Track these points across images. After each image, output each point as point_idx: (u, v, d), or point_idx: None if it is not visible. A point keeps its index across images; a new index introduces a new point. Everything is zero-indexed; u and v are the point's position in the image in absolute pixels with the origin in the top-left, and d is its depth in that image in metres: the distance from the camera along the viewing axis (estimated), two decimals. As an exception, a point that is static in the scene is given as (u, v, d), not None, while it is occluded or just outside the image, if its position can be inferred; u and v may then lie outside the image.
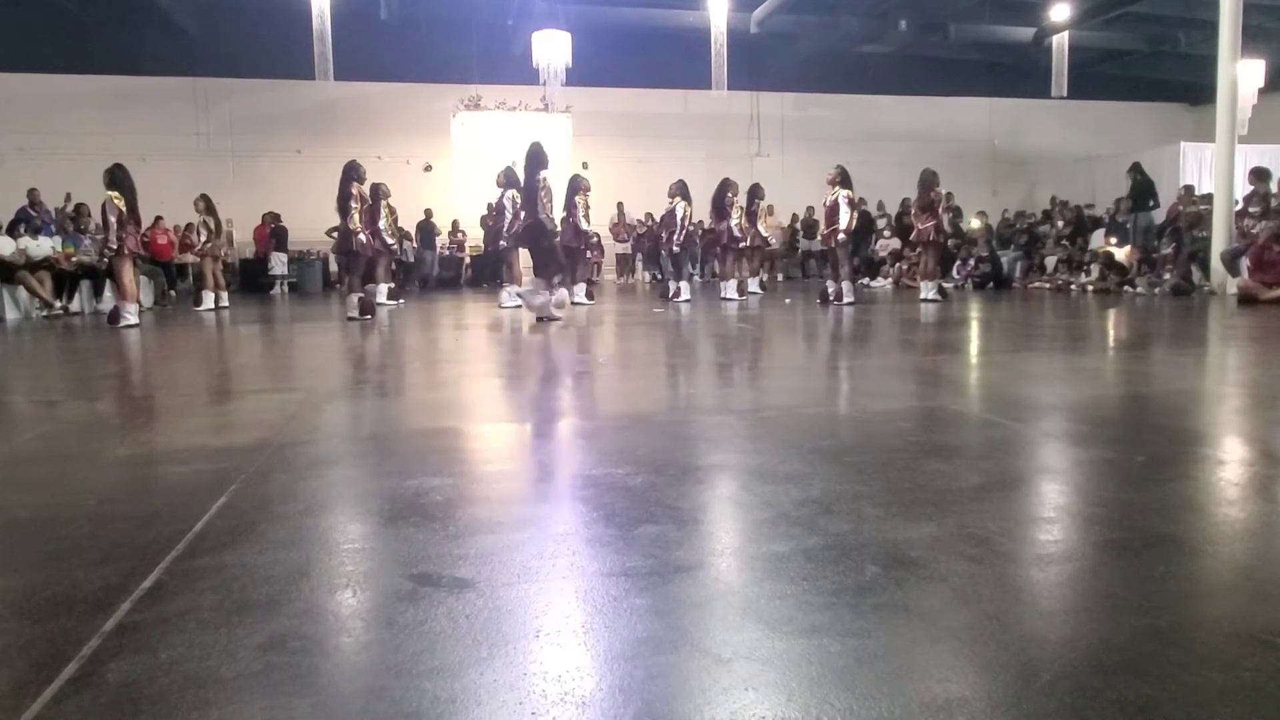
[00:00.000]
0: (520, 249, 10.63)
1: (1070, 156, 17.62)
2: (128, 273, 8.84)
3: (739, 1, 13.65)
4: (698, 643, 1.44)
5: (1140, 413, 3.64)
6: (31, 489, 2.57)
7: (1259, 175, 10.61)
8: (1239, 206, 10.66)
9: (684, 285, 11.57)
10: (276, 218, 15.25)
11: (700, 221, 14.29)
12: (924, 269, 10.71)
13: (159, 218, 13.62)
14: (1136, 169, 12.69)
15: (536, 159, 8.23)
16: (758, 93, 17.62)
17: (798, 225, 17.53)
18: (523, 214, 8.59)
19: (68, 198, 12.64)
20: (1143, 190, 12.50)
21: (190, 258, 12.84)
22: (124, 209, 8.67)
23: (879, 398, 4.07)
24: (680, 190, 11.75)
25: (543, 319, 7.97)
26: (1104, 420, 3.39)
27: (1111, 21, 14.94)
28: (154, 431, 3.49)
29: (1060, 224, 13.91)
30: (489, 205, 13.51)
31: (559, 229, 9.28)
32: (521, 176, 8.78)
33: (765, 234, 12.89)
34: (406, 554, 1.88)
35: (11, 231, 10.71)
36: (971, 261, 13.58)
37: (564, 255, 8.99)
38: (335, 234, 10.37)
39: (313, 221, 14.27)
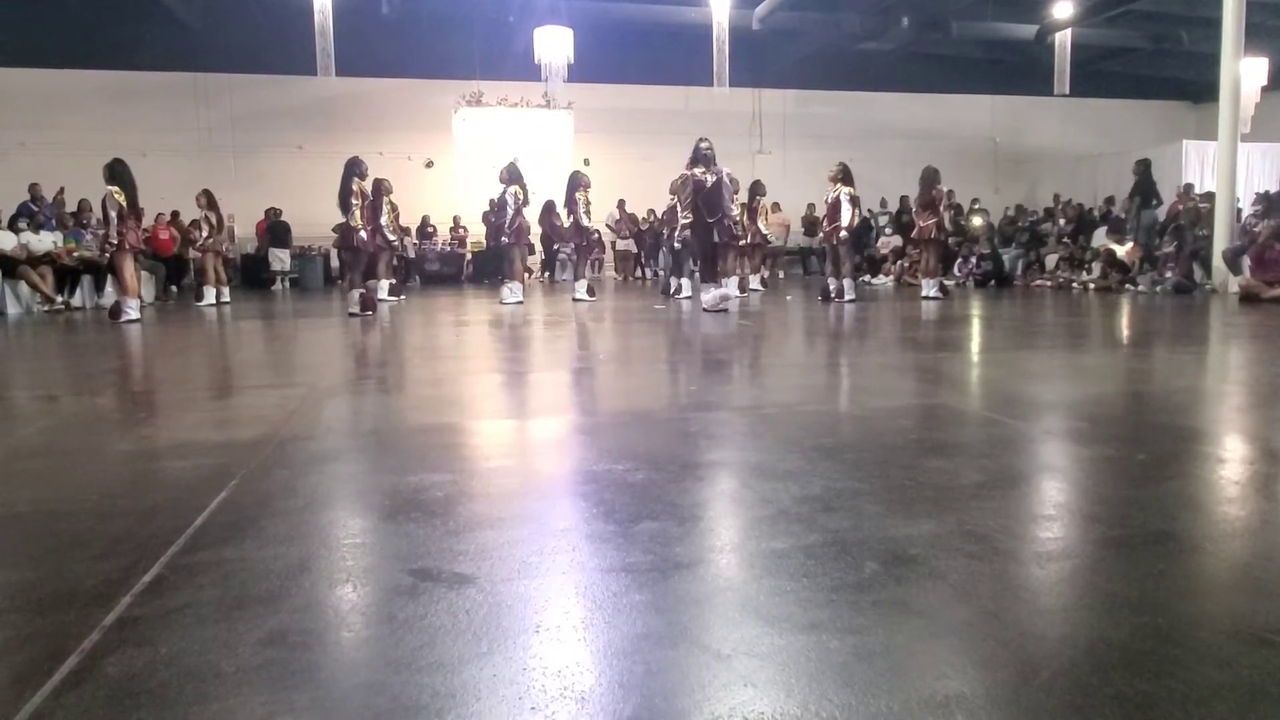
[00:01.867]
0: (521, 246, 10.66)
1: (1072, 154, 17.60)
2: (129, 268, 8.84)
3: (741, -2, 13.64)
4: (697, 638, 1.44)
5: (1141, 410, 3.64)
6: (33, 483, 2.57)
7: None
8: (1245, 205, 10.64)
9: (684, 282, 11.56)
10: (278, 212, 15.23)
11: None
12: (925, 266, 10.69)
13: (174, 213, 13.65)
14: (1145, 165, 12.64)
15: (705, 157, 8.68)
16: (759, 90, 17.60)
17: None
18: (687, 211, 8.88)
19: (60, 191, 12.62)
20: (1147, 187, 12.48)
21: (192, 253, 12.84)
22: (124, 204, 8.67)
23: (879, 395, 4.07)
24: (683, 187, 11.74)
25: (716, 310, 8.37)
26: (1105, 418, 3.39)
27: (1114, 19, 14.90)
28: (155, 426, 3.50)
29: (1062, 221, 13.90)
30: (490, 201, 13.50)
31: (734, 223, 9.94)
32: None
33: (766, 231, 12.89)
34: (406, 549, 1.89)
35: (13, 226, 10.72)
36: (973, 259, 13.57)
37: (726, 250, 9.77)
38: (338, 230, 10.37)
39: (314, 217, 14.28)
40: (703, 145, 8.77)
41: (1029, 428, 3.21)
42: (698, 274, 10.90)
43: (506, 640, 1.44)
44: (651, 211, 16.36)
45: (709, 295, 8.70)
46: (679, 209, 9.01)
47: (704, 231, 8.85)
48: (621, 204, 16.81)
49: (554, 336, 7.22)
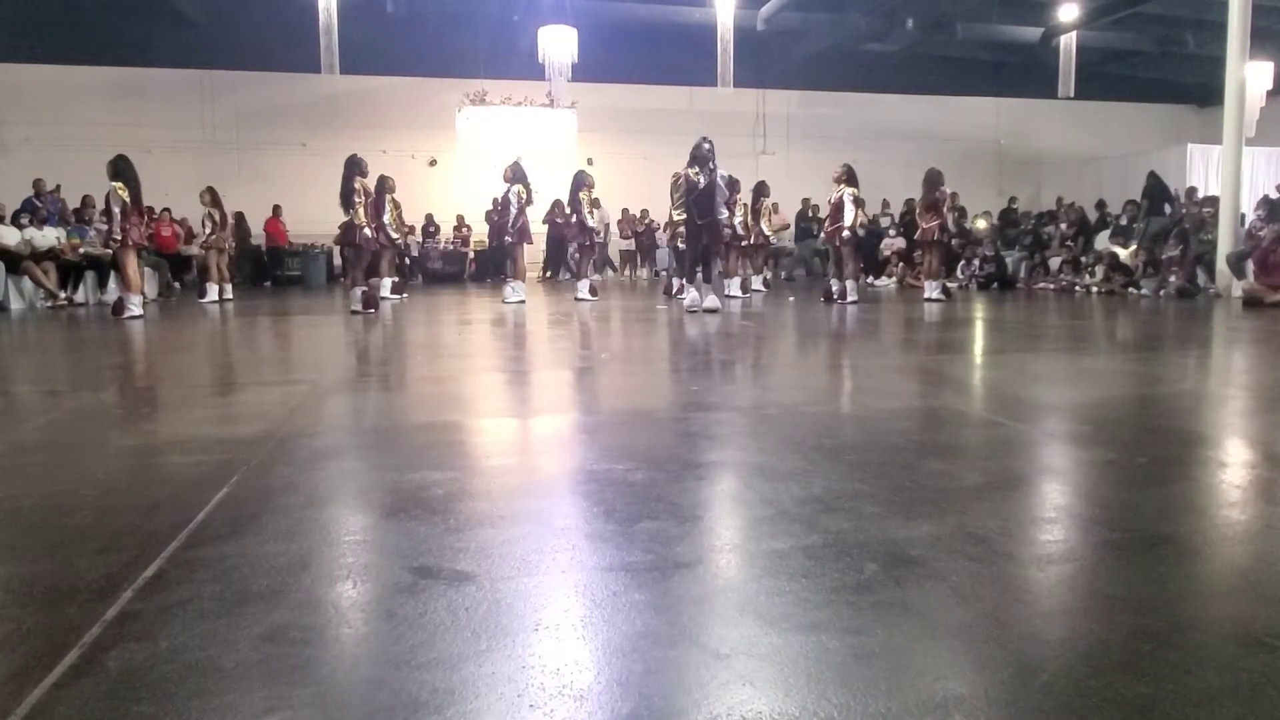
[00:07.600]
0: (524, 244, 10.67)
1: (1077, 157, 17.58)
2: (132, 264, 8.86)
3: (746, -2, 13.64)
4: (696, 638, 1.44)
5: (1143, 414, 3.63)
6: (35, 478, 2.58)
7: None
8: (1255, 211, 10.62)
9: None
10: (241, 215, 15.17)
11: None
12: (928, 268, 10.69)
13: (180, 211, 13.66)
14: (1153, 176, 12.68)
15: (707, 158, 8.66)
16: (764, 90, 17.59)
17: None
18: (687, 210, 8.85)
19: (57, 188, 12.63)
20: (1159, 194, 12.47)
21: (195, 250, 12.85)
22: (128, 200, 8.69)
23: (881, 396, 4.07)
24: (685, 187, 11.72)
25: (707, 311, 8.41)
26: (1106, 421, 3.38)
27: (1120, 22, 14.89)
28: (157, 422, 3.51)
29: (1064, 225, 13.88)
30: (494, 200, 13.51)
31: (732, 226, 10.14)
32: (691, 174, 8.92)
33: (768, 232, 12.89)
34: (407, 546, 1.89)
35: (16, 221, 10.74)
36: (976, 261, 13.55)
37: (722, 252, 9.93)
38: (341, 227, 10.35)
39: (317, 215, 14.28)
40: (705, 146, 8.73)
41: (1030, 430, 3.21)
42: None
43: (506, 638, 1.44)
44: (645, 211, 16.43)
45: (689, 297, 8.72)
46: (672, 208, 9.01)
47: (694, 233, 8.83)
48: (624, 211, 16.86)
49: (556, 336, 7.22)
